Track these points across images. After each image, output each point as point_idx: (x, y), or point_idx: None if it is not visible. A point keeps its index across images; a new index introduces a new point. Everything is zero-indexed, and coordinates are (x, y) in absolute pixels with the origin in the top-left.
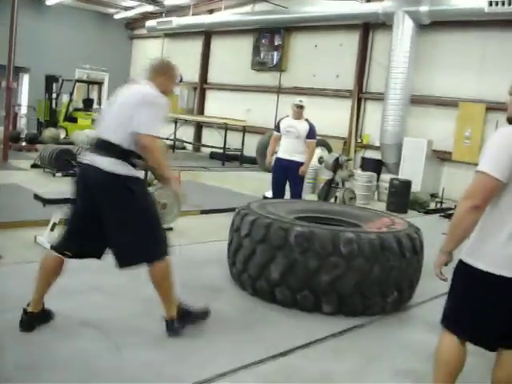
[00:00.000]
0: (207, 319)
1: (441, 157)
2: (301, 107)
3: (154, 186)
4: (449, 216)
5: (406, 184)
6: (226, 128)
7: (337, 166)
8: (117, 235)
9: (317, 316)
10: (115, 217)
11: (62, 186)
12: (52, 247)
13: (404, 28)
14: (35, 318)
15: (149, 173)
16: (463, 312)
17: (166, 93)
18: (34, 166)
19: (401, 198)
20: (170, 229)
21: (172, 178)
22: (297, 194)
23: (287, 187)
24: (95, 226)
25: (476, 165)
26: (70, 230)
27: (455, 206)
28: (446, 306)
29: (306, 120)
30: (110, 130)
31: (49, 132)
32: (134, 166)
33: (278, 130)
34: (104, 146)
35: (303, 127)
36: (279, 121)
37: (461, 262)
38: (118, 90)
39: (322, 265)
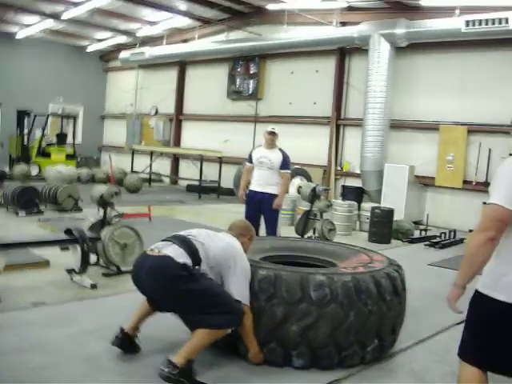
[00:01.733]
0: None
1: (424, 182)
2: (273, 134)
3: (112, 224)
4: (434, 244)
5: (388, 212)
6: (201, 160)
7: (314, 196)
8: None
9: (287, 371)
10: None
11: (23, 227)
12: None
13: (380, 51)
14: (128, 339)
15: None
16: (486, 344)
17: (245, 250)
18: None
19: (383, 227)
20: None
21: (256, 349)
22: (271, 229)
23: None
24: None
25: (460, 189)
26: None
27: (441, 234)
28: (465, 338)
29: (280, 149)
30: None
31: (19, 168)
32: (194, 266)
33: (251, 161)
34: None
35: (276, 157)
36: (251, 151)
37: (479, 294)
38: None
39: (290, 313)
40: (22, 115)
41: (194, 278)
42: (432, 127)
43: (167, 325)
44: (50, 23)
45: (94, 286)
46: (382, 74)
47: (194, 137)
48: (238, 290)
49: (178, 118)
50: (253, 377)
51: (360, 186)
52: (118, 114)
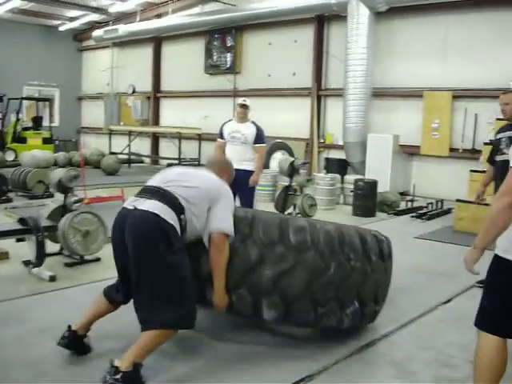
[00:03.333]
0: None
1: (409, 152)
2: (245, 106)
3: (74, 210)
4: (421, 216)
5: (372, 184)
6: (179, 137)
7: (293, 170)
8: (141, 281)
9: (258, 364)
10: None
11: None
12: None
13: (359, 17)
14: (77, 339)
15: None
16: (506, 310)
17: None
18: None
19: (367, 200)
20: (98, 259)
21: (222, 289)
22: (247, 207)
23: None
24: None
25: (446, 157)
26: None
27: (427, 205)
28: (484, 305)
29: (253, 122)
30: (174, 187)
31: None
32: (180, 221)
33: (222, 137)
34: (155, 192)
35: (250, 131)
36: (222, 126)
37: (499, 259)
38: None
39: (265, 256)
40: None
41: (173, 249)
42: (415, 94)
43: (125, 321)
44: (17, 2)
45: (52, 278)
46: (362, 40)
47: (173, 115)
48: (223, 216)
49: (156, 95)
50: (217, 372)
51: (344, 158)
52: (95, 95)
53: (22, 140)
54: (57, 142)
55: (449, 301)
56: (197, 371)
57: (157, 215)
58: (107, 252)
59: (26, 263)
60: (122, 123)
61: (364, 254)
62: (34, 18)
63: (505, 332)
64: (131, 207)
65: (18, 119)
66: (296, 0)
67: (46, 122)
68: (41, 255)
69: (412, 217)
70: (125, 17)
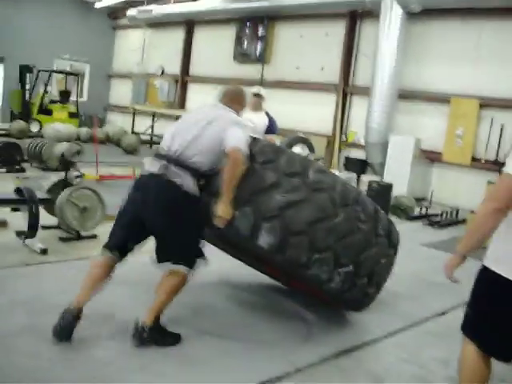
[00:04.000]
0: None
1: (430, 157)
2: (259, 96)
3: (75, 186)
4: (433, 224)
5: (386, 187)
6: None
7: None
8: (165, 237)
9: (223, 363)
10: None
11: None
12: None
13: (392, 16)
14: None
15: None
16: (484, 320)
17: None
18: None
19: (380, 202)
20: (94, 236)
21: (228, 201)
22: None
23: None
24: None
25: (468, 167)
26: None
27: (442, 213)
28: (467, 312)
29: (266, 113)
30: (190, 150)
31: (17, 125)
32: (199, 187)
33: None
34: (177, 161)
35: (261, 121)
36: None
37: (485, 269)
38: (197, 109)
39: (280, 182)
40: (24, 71)
41: (193, 212)
42: (442, 99)
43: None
44: None
45: (44, 251)
46: (393, 40)
47: (199, 99)
48: (236, 135)
49: (184, 79)
50: (182, 373)
51: (364, 158)
52: (125, 73)
53: (48, 112)
54: (83, 118)
55: (443, 313)
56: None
57: (180, 186)
58: (104, 230)
59: (19, 234)
60: (147, 103)
61: (374, 223)
62: None
63: (486, 344)
64: (153, 171)
65: (45, 91)
66: None
67: (75, 97)
68: (33, 227)
69: (424, 224)
70: None
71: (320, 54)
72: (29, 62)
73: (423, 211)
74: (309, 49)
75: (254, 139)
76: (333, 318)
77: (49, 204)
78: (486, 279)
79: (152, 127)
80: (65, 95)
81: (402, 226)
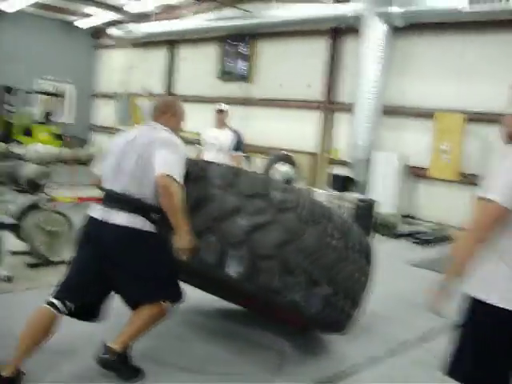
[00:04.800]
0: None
1: (416, 173)
2: (221, 112)
3: (43, 210)
4: (420, 241)
5: (369, 204)
6: (185, 142)
7: (286, 183)
8: (131, 283)
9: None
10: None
11: None
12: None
13: (375, 32)
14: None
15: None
16: (491, 371)
17: (174, 131)
18: None
19: (363, 220)
20: (63, 261)
21: (184, 232)
22: None
23: None
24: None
25: (455, 182)
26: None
27: (429, 230)
28: (459, 357)
29: (231, 129)
30: (127, 182)
31: None
32: (153, 222)
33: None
34: (120, 200)
35: (226, 138)
36: (203, 132)
37: (482, 304)
38: (123, 134)
39: (243, 206)
40: (6, 91)
41: (154, 248)
42: (427, 114)
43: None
44: None
45: (9, 279)
46: (376, 55)
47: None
48: (164, 160)
49: None
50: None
51: (349, 175)
52: (109, 93)
53: (30, 133)
54: (68, 139)
55: (428, 338)
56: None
57: (129, 228)
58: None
59: None
60: (132, 123)
61: (346, 238)
62: (54, 12)
63: None
64: (100, 218)
65: (27, 112)
66: (311, 10)
67: (62, 118)
68: None
69: (411, 241)
70: (142, 18)
71: (304, 71)
72: (10, 83)
73: (410, 228)
74: (292, 66)
75: (209, 163)
76: (309, 346)
77: (17, 229)
78: (489, 318)
79: None
80: (47, 116)
81: (387, 245)
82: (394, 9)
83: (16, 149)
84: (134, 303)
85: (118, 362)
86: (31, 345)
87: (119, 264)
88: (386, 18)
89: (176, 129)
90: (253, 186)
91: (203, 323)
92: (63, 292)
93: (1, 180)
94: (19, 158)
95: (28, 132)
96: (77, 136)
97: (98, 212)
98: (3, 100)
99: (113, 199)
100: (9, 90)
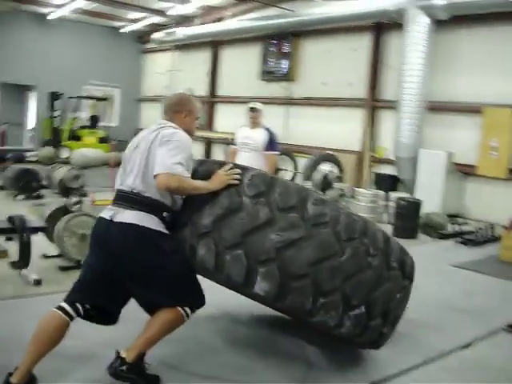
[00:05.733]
0: None
1: (464, 171)
2: (255, 110)
3: (74, 213)
4: (467, 242)
5: (415, 204)
6: (227, 143)
7: (326, 183)
8: (142, 286)
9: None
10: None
11: (12, 211)
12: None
13: (419, 26)
14: None
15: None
16: None
17: (188, 132)
18: (2, 188)
19: (408, 220)
20: None
21: (217, 183)
22: None
23: None
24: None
25: (504, 180)
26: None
27: (477, 230)
28: None
29: (265, 129)
30: (134, 180)
31: (45, 151)
32: (163, 220)
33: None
34: (128, 198)
35: (261, 137)
36: (236, 131)
37: None
38: (138, 135)
39: (275, 219)
40: (53, 97)
41: (164, 249)
42: (474, 110)
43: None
44: (81, 2)
45: (37, 282)
46: (420, 50)
47: (226, 120)
48: (158, 159)
49: (211, 100)
50: None
51: (395, 174)
52: (154, 97)
53: (78, 138)
54: (114, 142)
55: (468, 346)
56: None
57: (136, 225)
58: None
59: (13, 264)
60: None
61: (384, 255)
62: (98, 18)
63: None
64: (107, 217)
65: (74, 117)
66: (353, 6)
67: (108, 122)
68: (25, 256)
69: (457, 242)
70: (185, 20)
71: (348, 69)
72: (59, 89)
73: (456, 228)
74: (335, 64)
75: (243, 168)
76: (337, 354)
77: (48, 232)
78: None
79: None
80: (94, 120)
81: (432, 246)
82: (437, 1)
83: (63, 153)
84: (148, 307)
85: (131, 373)
86: (40, 349)
87: (128, 264)
88: (429, 10)
89: (191, 129)
90: (287, 197)
91: (235, 330)
92: (73, 295)
93: (44, 184)
94: (66, 162)
95: (75, 137)
96: (123, 139)
97: (106, 212)
98: (52, 106)
99: (121, 198)
100: (56, 96)
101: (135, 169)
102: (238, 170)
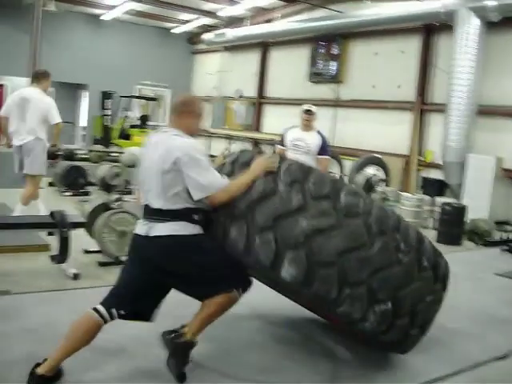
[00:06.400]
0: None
1: None
2: (310, 113)
3: (111, 209)
4: None
5: (460, 210)
6: (273, 144)
7: (369, 187)
8: (191, 285)
9: None
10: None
11: (58, 207)
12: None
13: (469, 27)
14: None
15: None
16: None
17: (193, 134)
18: (51, 184)
19: (453, 226)
20: None
21: (257, 170)
22: None
23: None
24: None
25: None
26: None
27: None
28: None
29: (318, 132)
30: (159, 198)
31: (95, 149)
32: (196, 223)
33: (283, 144)
34: (158, 213)
35: (314, 141)
36: (284, 132)
37: None
38: (148, 145)
39: (307, 206)
40: (104, 97)
41: (203, 250)
42: None
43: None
44: (133, 4)
45: (76, 276)
46: (470, 52)
47: (274, 121)
48: (195, 183)
49: (259, 101)
50: None
51: (442, 178)
52: (203, 97)
53: (128, 137)
54: None
55: (503, 357)
56: None
57: (173, 236)
58: None
59: (53, 258)
60: (226, 127)
61: (417, 254)
62: (150, 19)
63: None
64: (143, 234)
65: (125, 116)
66: (402, 7)
67: (158, 121)
68: (64, 251)
69: (503, 250)
70: (235, 21)
71: (395, 72)
72: (111, 89)
73: (503, 236)
74: (384, 66)
75: (281, 158)
76: (366, 358)
77: (88, 228)
78: None
79: (227, 150)
80: (144, 120)
81: (476, 253)
82: (489, 2)
83: (114, 152)
84: (200, 299)
85: (184, 349)
86: (71, 346)
87: (174, 271)
88: (480, 12)
89: (195, 128)
90: (321, 186)
91: (261, 328)
92: (111, 299)
93: (91, 181)
94: (115, 160)
95: (126, 136)
96: None
97: (140, 228)
98: (103, 105)
99: (151, 213)
100: (108, 95)
101: (154, 190)
102: (277, 158)
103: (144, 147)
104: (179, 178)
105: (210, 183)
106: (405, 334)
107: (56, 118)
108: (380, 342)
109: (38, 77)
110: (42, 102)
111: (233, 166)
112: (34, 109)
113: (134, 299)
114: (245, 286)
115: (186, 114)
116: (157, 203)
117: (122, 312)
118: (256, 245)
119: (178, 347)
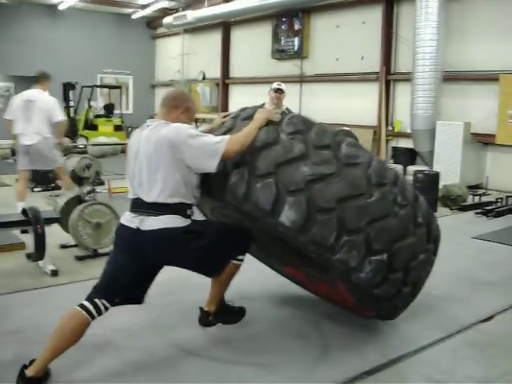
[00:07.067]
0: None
1: (483, 141)
2: (280, 91)
3: (87, 202)
4: (487, 213)
5: (433, 177)
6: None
7: None
8: (193, 267)
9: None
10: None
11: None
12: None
13: None
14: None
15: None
16: None
17: None
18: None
19: (427, 194)
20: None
21: (262, 119)
22: None
23: None
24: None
25: None
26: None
27: (497, 200)
28: None
29: (287, 109)
30: (153, 191)
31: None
32: (188, 217)
33: None
34: (150, 207)
35: None
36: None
37: None
38: (135, 137)
39: (308, 154)
40: (67, 88)
41: (197, 239)
42: (491, 77)
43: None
44: None
45: (54, 273)
46: (432, 19)
47: (241, 101)
48: (202, 152)
49: (224, 82)
50: None
51: (412, 147)
52: (167, 82)
53: (94, 127)
54: (130, 129)
55: (489, 318)
56: None
57: (165, 229)
58: None
59: (29, 256)
60: None
61: (412, 209)
62: (107, 6)
63: None
64: (133, 227)
65: (89, 106)
66: None
67: (123, 110)
68: (40, 248)
69: (477, 213)
70: (195, 3)
71: (359, 43)
72: (72, 80)
73: (476, 200)
74: (347, 39)
75: (282, 112)
76: (355, 331)
77: (62, 222)
78: None
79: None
80: (109, 108)
81: (451, 218)
82: None
83: (80, 143)
84: (208, 275)
85: (219, 319)
86: (59, 346)
87: (169, 261)
88: None
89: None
90: (322, 136)
91: (257, 309)
92: (97, 293)
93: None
94: (83, 152)
95: (92, 126)
96: (138, 126)
97: (129, 220)
98: (66, 97)
99: (141, 206)
100: (70, 86)
101: (145, 184)
102: (279, 110)
103: (133, 142)
104: (176, 166)
105: (217, 143)
106: (397, 290)
107: (60, 116)
108: (372, 298)
109: (39, 78)
110: (46, 102)
111: (234, 121)
112: (39, 109)
113: (125, 289)
114: (245, 246)
115: (175, 108)
116: (151, 197)
117: (116, 300)
118: (256, 189)
119: (214, 321)
